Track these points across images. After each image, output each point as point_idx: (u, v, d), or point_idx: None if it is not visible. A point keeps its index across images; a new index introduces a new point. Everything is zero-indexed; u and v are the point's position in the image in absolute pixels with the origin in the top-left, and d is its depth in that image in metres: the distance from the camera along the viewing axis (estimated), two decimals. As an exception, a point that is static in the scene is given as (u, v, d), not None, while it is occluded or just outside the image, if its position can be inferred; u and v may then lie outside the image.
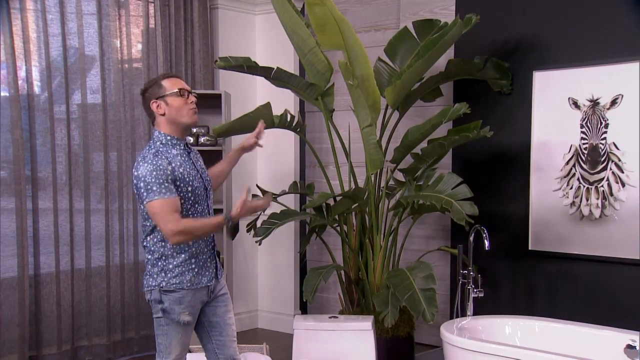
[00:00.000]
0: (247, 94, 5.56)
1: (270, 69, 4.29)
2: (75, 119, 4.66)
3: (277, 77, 4.33)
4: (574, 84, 4.18)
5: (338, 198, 4.35)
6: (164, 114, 2.89)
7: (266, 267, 5.75)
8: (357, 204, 4.32)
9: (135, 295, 4.93)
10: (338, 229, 4.54)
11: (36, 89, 4.50)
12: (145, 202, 2.79)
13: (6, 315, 4.34)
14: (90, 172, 4.72)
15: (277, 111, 4.37)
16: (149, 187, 2.76)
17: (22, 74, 4.40)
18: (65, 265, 4.59)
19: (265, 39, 5.66)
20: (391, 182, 4.45)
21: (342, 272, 4.55)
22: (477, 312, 3.99)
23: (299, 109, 5.57)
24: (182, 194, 2.83)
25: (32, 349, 4.48)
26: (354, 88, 4.13)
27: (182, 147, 2.93)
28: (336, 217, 4.43)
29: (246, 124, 4.33)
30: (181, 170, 2.84)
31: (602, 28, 4.11)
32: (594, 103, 4.10)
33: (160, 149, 2.85)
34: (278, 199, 4.68)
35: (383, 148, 4.36)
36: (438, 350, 4.00)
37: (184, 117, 2.89)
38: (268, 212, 4.58)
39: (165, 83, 2.90)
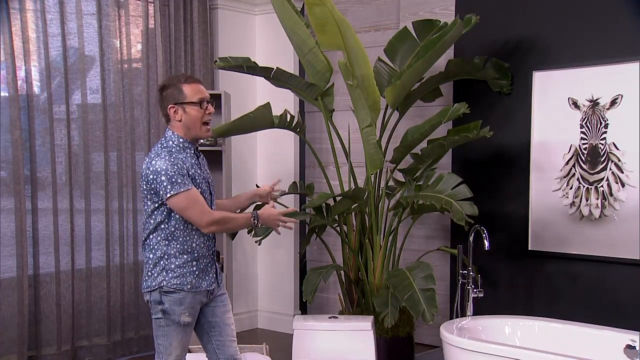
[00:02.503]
0: (247, 94, 5.56)
1: (270, 69, 4.28)
2: (75, 119, 4.66)
3: (276, 77, 4.33)
4: (574, 84, 4.18)
5: (338, 198, 4.35)
6: (180, 120, 2.89)
7: (266, 267, 5.75)
8: (356, 204, 4.32)
9: (135, 295, 4.92)
10: (338, 229, 4.54)
11: (36, 89, 4.49)
12: (169, 195, 2.78)
13: (5, 315, 4.33)
14: (90, 173, 4.72)
15: (276, 111, 4.36)
16: (172, 179, 2.77)
17: (21, 74, 4.40)
18: (66, 265, 4.59)
19: (265, 39, 5.65)
20: (391, 182, 4.45)
21: (342, 272, 4.55)
22: (476, 312, 3.99)
23: (299, 109, 5.57)
24: None
25: (32, 349, 4.48)
26: (354, 88, 4.13)
27: (193, 151, 2.95)
28: (336, 217, 4.43)
29: (246, 124, 4.33)
30: (192, 172, 2.87)
31: (602, 28, 4.11)
32: (594, 103, 4.10)
33: (173, 150, 2.87)
34: (278, 199, 4.68)
35: (383, 148, 4.36)
36: (438, 350, 4.00)
37: (197, 130, 2.91)
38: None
39: (187, 89, 2.88)
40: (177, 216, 2.86)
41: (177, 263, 2.87)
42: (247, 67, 4.25)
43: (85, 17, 4.67)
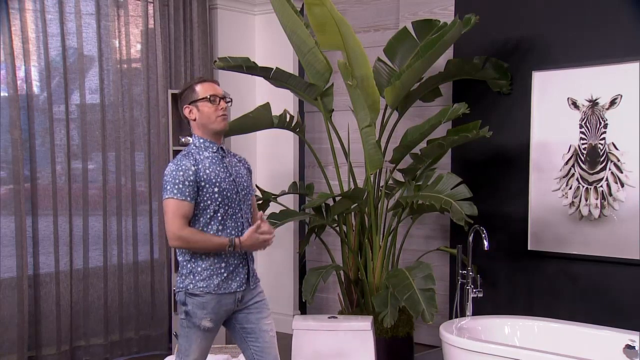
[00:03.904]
0: (246, 94, 5.56)
1: (270, 69, 4.29)
2: (74, 119, 4.66)
3: (276, 77, 4.33)
4: (573, 84, 4.18)
5: (337, 198, 4.35)
6: (195, 120, 2.93)
7: (265, 267, 5.75)
8: (356, 204, 4.32)
9: (134, 295, 4.92)
10: (337, 229, 4.54)
11: (35, 89, 4.49)
12: (163, 199, 2.85)
13: (5, 315, 4.33)
14: (88, 172, 4.71)
15: (276, 111, 4.36)
16: (166, 185, 2.83)
17: (21, 74, 4.39)
18: (65, 265, 4.59)
19: (265, 39, 5.65)
20: (390, 182, 4.45)
21: (342, 272, 4.55)
22: (476, 312, 3.99)
23: (298, 109, 5.57)
24: (207, 195, 2.85)
25: (32, 349, 4.47)
26: (353, 88, 4.13)
27: (215, 150, 2.95)
28: (335, 217, 4.43)
29: (246, 124, 4.33)
30: (208, 171, 2.86)
31: (602, 28, 4.11)
32: (593, 103, 4.10)
33: (192, 151, 2.92)
34: (278, 199, 4.68)
35: (382, 148, 4.36)
36: (437, 350, 4.00)
37: (212, 123, 2.92)
38: (267, 212, 4.58)
39: (198, 88, 2.93)
40: (201, 219, 2.86)
41: (203, 265, 2.86)
42: (247, 67, 4.25)
43: (85, 17, 4.67)
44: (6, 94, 4.31)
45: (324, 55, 4.29)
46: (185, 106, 2.93)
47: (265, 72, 4.31)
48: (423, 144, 4.27)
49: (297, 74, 5.11)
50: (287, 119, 4.41)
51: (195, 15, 5.18)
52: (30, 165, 4.44)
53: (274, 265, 5.68)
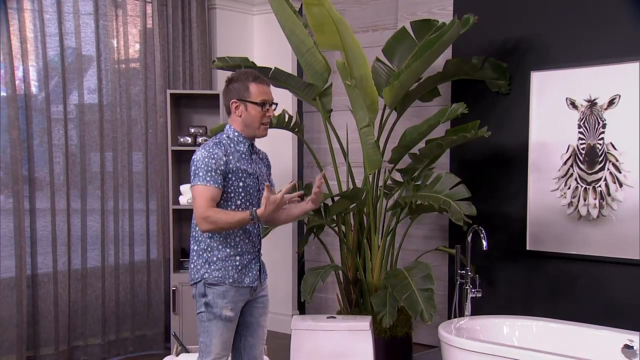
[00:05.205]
0: (245, 94, 5.55)
1: (268, 69, 4.29)
2: (72, 119, 4.65)
3: (275, 77, 4.33)
4: (572, 84, 4.18)
5: (336, 198, 4.35)
6: (240, 116, 2.94)
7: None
8: (355, 204, 4.32)
9: (130, 295, 4.92)
10: (336, 229, 4.54)
11: (33, 89, 4.49)
12: (191, 185, 2.86)
13: (4, 315, 4.33)
14: (86, 172, 4.71)
15: (275, 111, 4.35)
16: (197, 172, 2.83)
17: (19, 73, 4.39)
18: (63, 265, 4.59)
19: (263, 39, 5.65)
20: (389, 182, 4.45)
21: (340, 272, 4.55)
22: (475, 312, 3.99)
23: (297, 109, 5.57)
24: (232, 187, 2.88)
25: (30, 349, 4.47)
26: (352, 88, 4.13)
27: (247, 146, 2.97)
28: (334, 217, 4.43)
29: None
30: (237, 164, 2.89)
31: (601, 28, 4.11)
32: (592, 103, 4.11)
33: (224, 141, 2.93)
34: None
35: (381, 148, 4.36)
36: (436, 350, 4.00)
37: (255, 129, 2.97)
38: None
39: (253, 88, 2.93)
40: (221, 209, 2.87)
41: (219, 256, 2.89)
42: (245, 67, 4.24)
43: (83, 17, 4.67)
44: (4, 94, 4.31)
45: (323, 55, 4.29)
46: (233, 100, 2.93)
47: (264, 72, 4.30)
48: (422, 144, 4.27)
49: (295, 74, 5.11)
50: (286, 119, 4.41)
51: (193, 15, 5.17)
52: (29, 165, 4.44)
53: (273, 265, 5.66)
